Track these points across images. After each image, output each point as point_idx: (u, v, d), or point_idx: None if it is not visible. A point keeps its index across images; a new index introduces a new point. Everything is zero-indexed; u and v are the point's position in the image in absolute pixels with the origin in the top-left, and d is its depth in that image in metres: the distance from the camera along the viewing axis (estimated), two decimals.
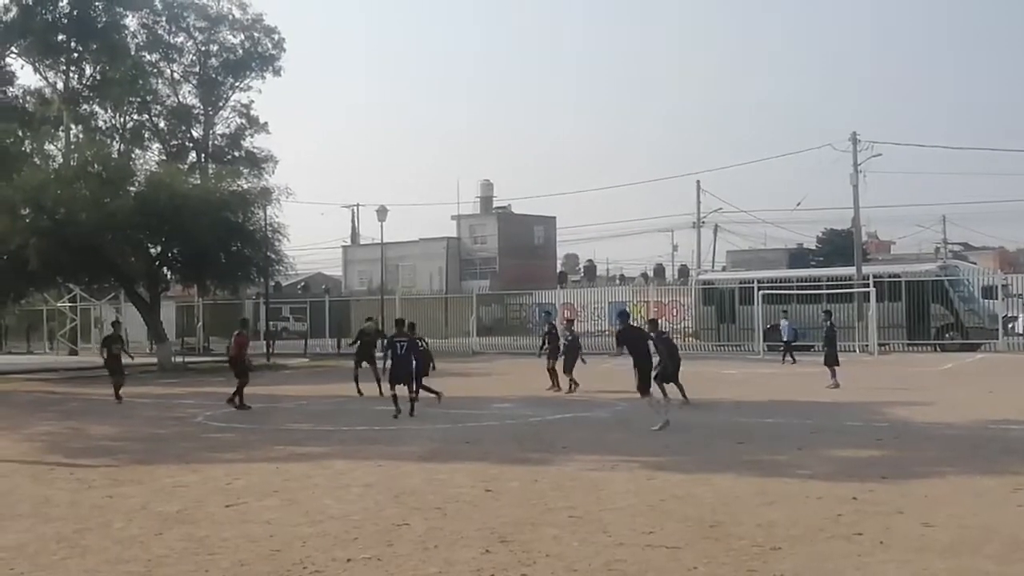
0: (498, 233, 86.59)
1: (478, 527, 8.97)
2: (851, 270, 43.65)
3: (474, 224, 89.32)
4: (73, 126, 42.56)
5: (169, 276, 41.40)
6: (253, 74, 49.66)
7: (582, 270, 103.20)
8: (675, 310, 48.92)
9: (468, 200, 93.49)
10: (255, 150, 49.96)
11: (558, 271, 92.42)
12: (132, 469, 13.10)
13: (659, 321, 20.04)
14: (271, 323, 49.60)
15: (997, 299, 40.01)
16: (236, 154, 49.54)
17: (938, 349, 39.32)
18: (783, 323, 34.75)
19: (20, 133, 37.01)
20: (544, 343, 24.34)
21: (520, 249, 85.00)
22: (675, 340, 21.48)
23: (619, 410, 18.85)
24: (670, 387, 18.40)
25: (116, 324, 28.41)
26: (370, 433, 16.31)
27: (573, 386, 22.64)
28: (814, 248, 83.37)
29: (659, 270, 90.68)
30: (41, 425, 18.82)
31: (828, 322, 24.73)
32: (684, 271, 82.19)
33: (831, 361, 23.51)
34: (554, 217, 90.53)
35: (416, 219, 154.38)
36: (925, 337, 40.04)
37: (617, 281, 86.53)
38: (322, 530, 8.96)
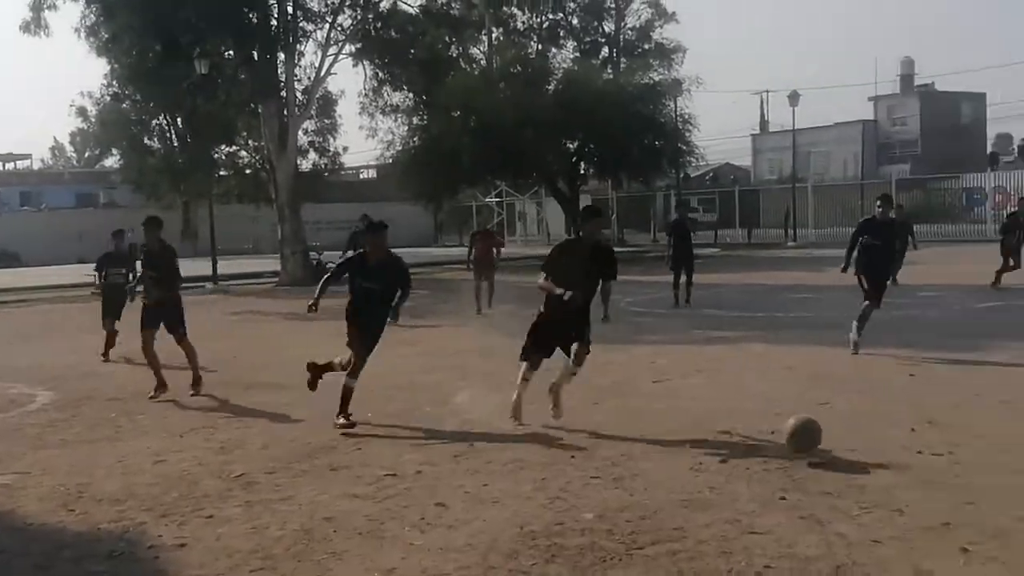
0: (920, 113, 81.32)
1: (903, 409, 8.95)
2: None
3: (893, 105, 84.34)
4: (494, 29, 44.93)
5: (585, 170, 43.08)
6: None
7: (1016, 150, 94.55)
8: None
9: (886, 80, 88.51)
10: (664, 41, 49.88)
11: (988, 152, 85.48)
12: None
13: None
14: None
15: None
16: (646, 46, 49.86)
17: None
18: None
19: (447, 39, 39.61)
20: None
21: (944, 130, 79.25)
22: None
23: None
24: None
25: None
26: (786, 320, 16.41)
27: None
28: None
29: None
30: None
31: None
32: None
33: None
34: (983, 93, 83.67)
35: (829, 103, 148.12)
36: None
37: None
38: (746, 406, 9.32)
